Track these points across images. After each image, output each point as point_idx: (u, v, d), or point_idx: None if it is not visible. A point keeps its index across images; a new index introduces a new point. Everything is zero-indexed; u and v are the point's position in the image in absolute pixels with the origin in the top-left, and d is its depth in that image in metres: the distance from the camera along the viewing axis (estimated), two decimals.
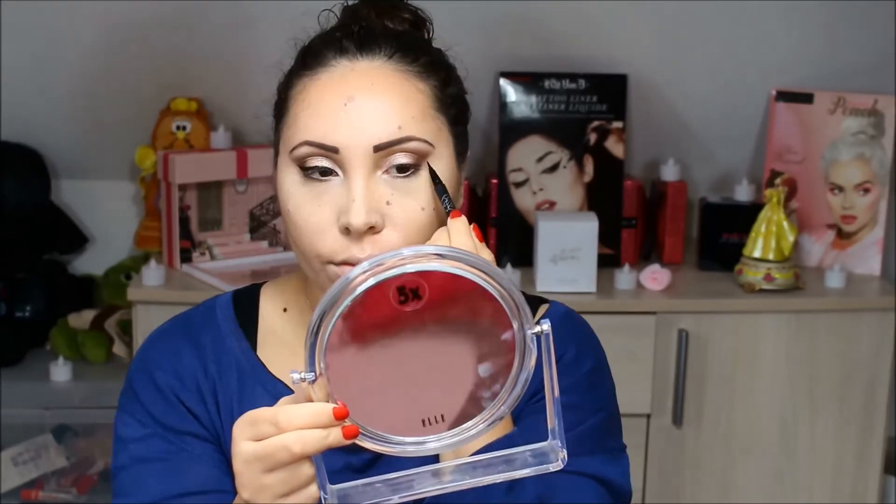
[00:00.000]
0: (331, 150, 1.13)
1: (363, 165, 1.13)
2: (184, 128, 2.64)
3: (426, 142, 1.15)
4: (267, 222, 2.62)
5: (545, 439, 1.04)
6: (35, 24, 2.54)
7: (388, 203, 1.13)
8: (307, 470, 1.01)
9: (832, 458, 2.48)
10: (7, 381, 2.54)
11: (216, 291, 2.02)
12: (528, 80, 2.57)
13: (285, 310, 1.28)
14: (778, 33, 2.62)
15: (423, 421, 1.01)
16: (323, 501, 1.01)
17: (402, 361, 0.99)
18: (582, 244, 2.41)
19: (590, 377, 1.24)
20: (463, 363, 1.00)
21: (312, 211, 1.14)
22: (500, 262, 1.02)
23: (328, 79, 1.16)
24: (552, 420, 1.03)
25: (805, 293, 2.48)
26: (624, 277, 2.46)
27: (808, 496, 2.48)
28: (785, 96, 2.63)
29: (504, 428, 1.13)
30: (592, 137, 2.59)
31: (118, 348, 2.62)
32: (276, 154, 1.21)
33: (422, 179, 1.15)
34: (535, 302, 1.27)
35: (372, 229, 1.12)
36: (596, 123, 2.58)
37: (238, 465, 1.02)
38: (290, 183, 1.16)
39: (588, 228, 2.42)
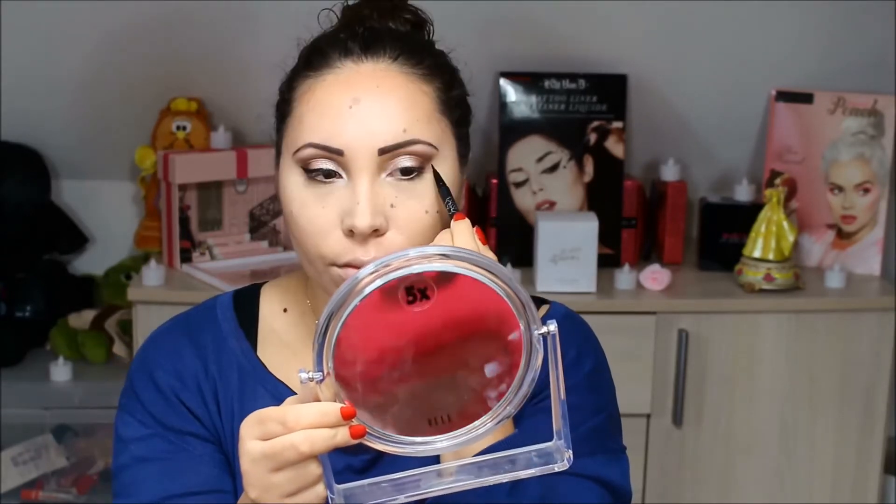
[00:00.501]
0: (335, 153, 1.13)
1: (368, 168, 1.13)
2: (184, 128, 2.64)
3: (431, 145, 1.15)
4: (267, 222, 2.62)
5: (546, 440, 1.04)
6: (35, 24, 2.54)
7: (392, 206, 1.13)
8: (314, 469, 1.01)
9: (832, 458, 2.48)
10: (7, 381, 2.54)
11: (216, 291, 2.01)
12: (528, 80, 2.57)
13: (285, 310, 1.28)
14: (778, 33, 2.62)
15: (430, 421, 1.01)
16: (330, 501, 1.01)
17: (409, 361, 0.99)
18: (582, 244, 2.41)
19: (590, 378, 1.24)
20: (470, 363, 1.00)
21: (317, 213, 1.14)
22: (500, 262, 1.02)
23: (333, 80, 1.16)
24: (557, 420, 1.03)
25: (805, 293, 2.48)
26: (624, 277, 2.46)
27: (808, 496, 2.48)
28: (785, 96, 2.63)
29: (505, 430, 1.13)
30: (592, 137, 2.59)
31: (118, 348, 2.62)
32: (279, 154, 1.20)
33: (426, 182, 1.15)
34: (535, 303, 1.26)
35: (376, 232, 1.12)
36: (596, 123, 2.58)
37: (245, 464, 1.02)
38: (294, 184, 1.16)
39: (588, 228, 2.42)
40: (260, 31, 2.54)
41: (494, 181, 2.60)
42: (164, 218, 2.54)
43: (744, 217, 2.54)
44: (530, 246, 2.49)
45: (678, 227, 2.63)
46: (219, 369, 1.24)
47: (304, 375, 0.99)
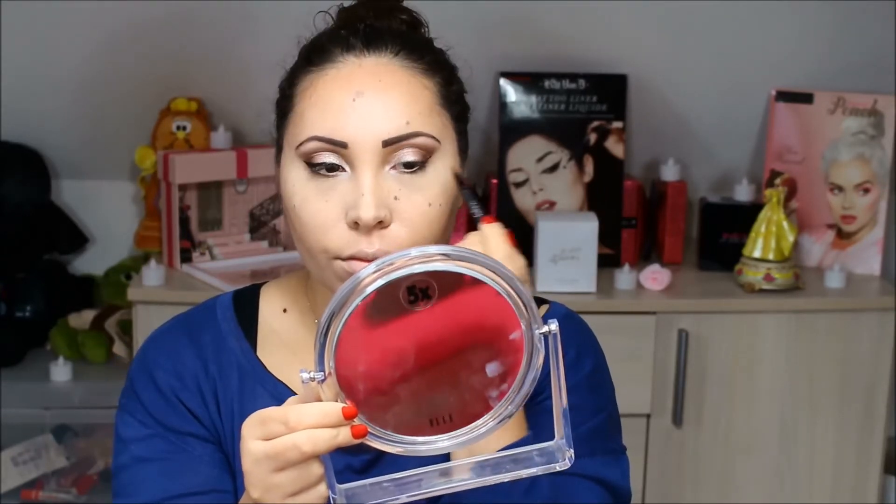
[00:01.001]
0: (339, 146, 1.13)
1: (371, 160, 1.13)
2: (184, 128, 2.64)
3: (434, 137, 1.15)
4: (267, 222, 2.62)
5: (547, 439, 1.04)
6: (35, 24, 2.54)
7: (395, 198, 1.14)
8: (316, 469, 1.01)
9: (832, 458, 2.48)
10: (7, 381, 2.54)
11: (216, 291, 2.01)
12: (528, 80, 2.57)
13: (285, 310, 1.28)
14: (778, 33, 2.62)
15: (431, 420, 1.01)
16: (331, 501, 1.01)
17: (411, 361, 0.99)
18: (582, 244, 2.42)
19: (590, 378, 1.24)
20: (471, 363, 1.00)
21: (320, 206, 1.14)
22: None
23: (336, 74, 1.16)
24: (559, 419, 1.03)
25: (805, 293, 2.48)
26: (624, 277, 2.46)
27: (808, 496, 2.48)
28: (785, 96, 2.63)
29: (520, 431, 1.13)
30: (592, 137, 2.59)
31: (118, 348, 2.62)
32: (279, 151, 1.21)
33: (429, 175, 1.15)
34: (535, 302, 1.27)
35: (380, 224, 1.13)
36: (596, 123, 2.58)
37: (247, 464, 1.02)
38: (296, 179, 1.16)
39: (588, 228, 2.43)
40: (260, 30, 2.54)
41: (494, 181, 2.60)
42: (164, 218, 2.54)
43: (744, 217, 2.54)
44: (530, 246, 2.48)
45: (678, 227, 2.63)
46: (219, 369, 1.24)
47: (305, 375, 0.99)
